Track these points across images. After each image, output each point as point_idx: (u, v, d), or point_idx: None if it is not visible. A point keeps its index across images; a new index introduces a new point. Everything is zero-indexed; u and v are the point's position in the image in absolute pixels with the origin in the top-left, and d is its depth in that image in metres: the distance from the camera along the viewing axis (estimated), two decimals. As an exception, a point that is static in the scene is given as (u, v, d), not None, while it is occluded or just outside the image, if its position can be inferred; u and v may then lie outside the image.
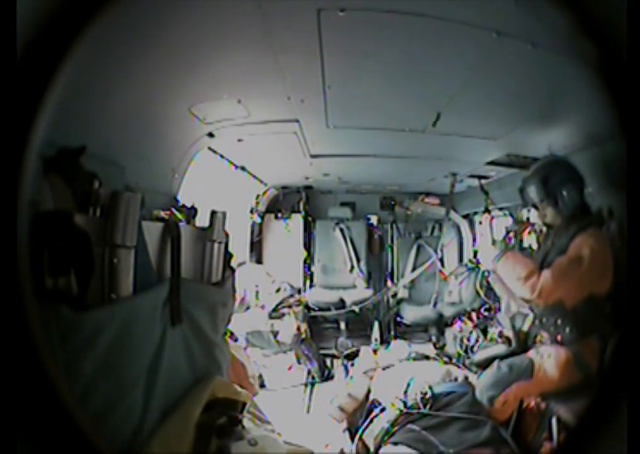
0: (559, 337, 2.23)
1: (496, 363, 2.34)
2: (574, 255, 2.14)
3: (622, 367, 0.66)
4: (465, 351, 3.12)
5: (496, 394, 2.27)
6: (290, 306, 4.13)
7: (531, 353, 2.30)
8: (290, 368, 3.93)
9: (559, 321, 2.23)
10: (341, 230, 5.24)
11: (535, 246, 2.62)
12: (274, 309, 4.06)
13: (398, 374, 2.67)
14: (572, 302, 2.17)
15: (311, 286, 5.17)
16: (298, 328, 4.01)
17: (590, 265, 2.11)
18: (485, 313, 3.70)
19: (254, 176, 3.97)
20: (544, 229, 2.52)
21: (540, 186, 2.32)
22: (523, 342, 2.39)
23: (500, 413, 2.28)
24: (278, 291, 4.22)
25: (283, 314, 4.05)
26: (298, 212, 5.25)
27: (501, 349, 2.47)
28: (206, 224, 1.66)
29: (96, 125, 1.32)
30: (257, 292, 4.13)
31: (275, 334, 3.91)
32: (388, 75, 1.77)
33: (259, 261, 5.09)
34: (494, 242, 2.87)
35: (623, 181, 0.65)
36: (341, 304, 4.67)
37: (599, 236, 2.18)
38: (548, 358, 2.22)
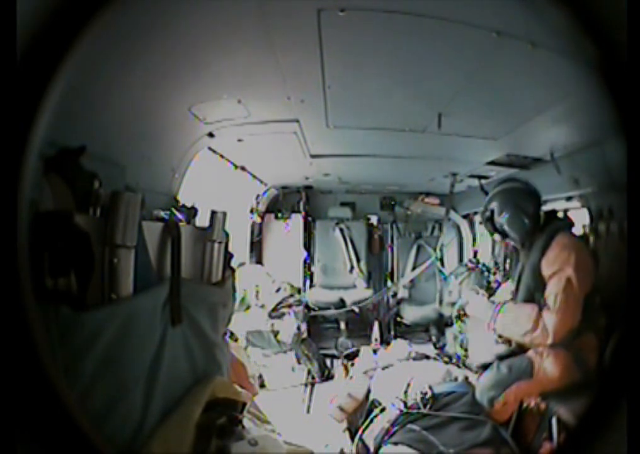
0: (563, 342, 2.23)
1: (495, 364, 2.34)
2: (565, 282, 2.15)
3: (622, 367, 0.66)
4: (466, 351, 3.12)
5: (496, 395, 2.27)
6: (290, 306, 4.13)
7: (530, 353, 2.30)
8: (292, 369, 3.94)
9: None
10: (341, 230, 5.24)
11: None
12: (275, 309, 4.06)
13: (398, 374, 2.67)
14: (579, 316, 2.17)
15: (311, 286, 5.17)
16: (299, 328, 4.01)
17: (581, 280, 2.13)
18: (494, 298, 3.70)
19: (254, 176, 3.98)
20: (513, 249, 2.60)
21: (488, 225, 2.52)
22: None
23: (500, 414, 2.29)
24: (278, 290, 4.22)
25: (283, 314, 4.05)
26: (298, 212, 5.25)
27: (500, 349, 2.47)
28: (206, 224, 1.66)
29: (96, 125, 1.32)
30: (257, 292, 4.13)
31: (275, 334, 3.92)
32: (388, 75, 1.77)
33: (259, 261, 5.10)
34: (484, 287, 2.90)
35: (623, 181, 0.65)
36: (341, 304, 4.68)
37: (570, 244, 2.22)
38: (547, 357, 2.22)
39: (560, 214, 2.50)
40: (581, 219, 2.64)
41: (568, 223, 2.39)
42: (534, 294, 2.27)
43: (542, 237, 2.29)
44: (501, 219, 2.43)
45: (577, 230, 2.51)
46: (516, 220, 2.38)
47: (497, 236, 2.58)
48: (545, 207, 3.01)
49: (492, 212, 2.48)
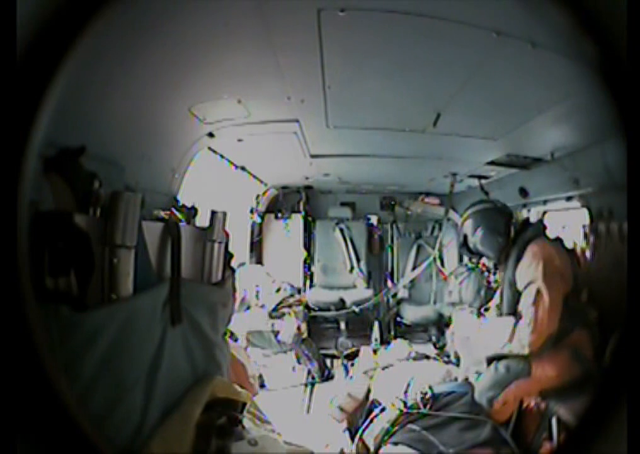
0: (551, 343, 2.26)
1: (493, 365, 2.34)
2: (535, 294, 2.20)
3: (622, 366, 0.66)
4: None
5: (495, 395, 2.27)
6: (290, 306, 4.13)
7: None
8: (293, 369, 3.94)
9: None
10: (341, 230, 5.24)
11: None
12: (275, 309, 4.07)
13: (398, 374, 2.67)
14: (557, 323, 2.21)
15: (311, 286, 5.17)
16: (299, 328, 4.01)
17: (553, 288, 2.18)
18: (485, 313, 3.71)
19: (254, 176, 3.98)
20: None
21: (464, 249, 2.67)
22: None
23: (500, 414, 2.29)
24: (278, 290, 4.22)
25: (283, 314, 4.05)
26: (298, 212, 5.25)
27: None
28: (206, 224, 1.66)
29: (96, 125, 1.32)
30: (257, 292, 4.13)
31: (276, 334, 3.92)
32: (388, 75, 1.77)
33: (259, 261, 5.10)
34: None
35: (623, 181, 0.65)
36: (341, 304, 4.68)
37: (540, 251, 2.27)
38: (544, 356, 2.24)
39: (536, 221, 2.59)
40: (580, 219, 2.65)
41: (540, 230, 2.45)
42: (515, 306, 2.33)
43: (514, 250, 2.38)
44: (474, 241, 2.56)
45: (554, 232, 2.59)
46: (488, 239, 2.50)
47: (474, 258, 2.74)
48: (543, 208, 3.05)
49: (465, 236, 2.61)
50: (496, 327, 2.37)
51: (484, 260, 3.48)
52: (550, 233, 2.52)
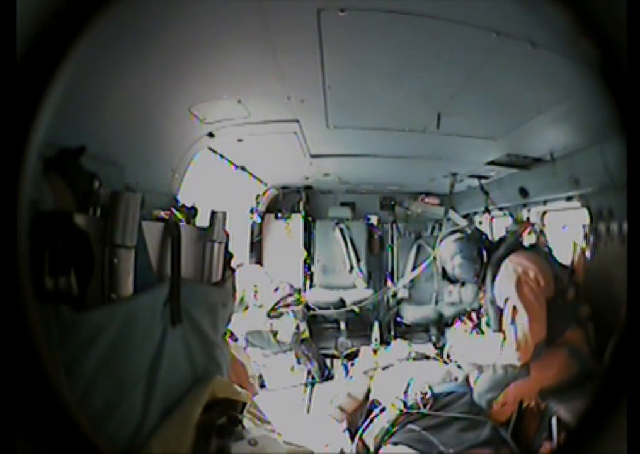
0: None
1: (491, 366, 2.34)
2: (512, 311, 2.25)
3: (622, 366, 0.66)
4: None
5: (494, 397, 2.27)
6: (288, 305, 4.13)
7: None
8: (292, 369, 3.93)
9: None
10: (341, 230, 5.24)
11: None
12: (273, 309, 4.06)
13: (398, 374, 2.67)
14: (544, 330, 2.24)
15: (311, 286, 5.17)
16: (298, 328, 4.01)
17: (529, 301, 2.22)
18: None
19: (254, 176, 3.98)
20: None
21: (446, 280, 2.77)
22: None
23: (500, 415, 2.29)
24: (276, 290, 4.22)
25: (282, 314, 4.05)
26: (298, 212, 5.25)
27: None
28: (206, 224, 1.66)
29: (96, 125, 1.32)
30: (255, 292, 4.13)
31: (275, 334, 3.91)
32: (388, 75, 1.77)
33: (259, 261, 5.10)
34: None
35: (623, 181, 0.65)
36: (341, 304, 4.67)
37: (512, 267, 2.33)
38: (542, 355, 2.24)
39: (509, 233, 2.68)
40: (580, 219, 2.65)
41: (514, 243, 2.51)
42: (499, 322, 2.36)
43: (490, 269, 2.45)
44: (453, 273, 2.66)
45: (552, 232, 2.73)
46: (465, 269, 2.60)
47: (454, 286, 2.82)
48: (543, 208, 3.06)
49: (444, 269, 2.72)
50: (486, 345, 2.42)
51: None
52: (547, 233, 2.58)
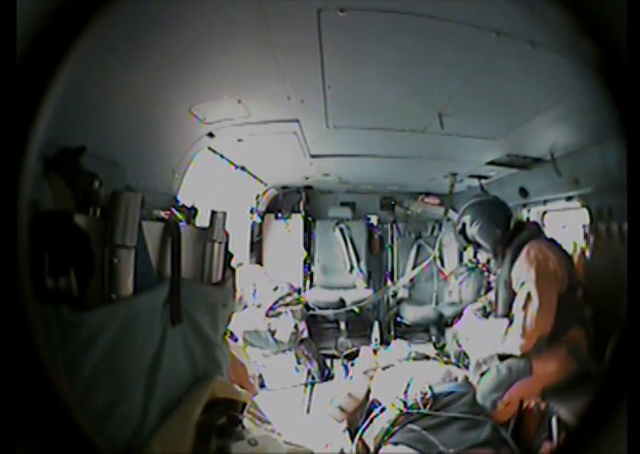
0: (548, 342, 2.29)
1: (494, 367, 2.35)
2: (525, 298, 2.25)
3: (622, 366, 0.66)
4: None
5: (499, 397, 2.27)
6: (287, 305, 4.13)
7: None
8: (296, 369, 3.93)
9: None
10: (341, 230, 5.24)
11: None
12: (272, 308, 4.06)
13: (398, 374, 2.67)
14: (551, 324, 2.24)
15: (311, 286, 5.17)
16: (296, 327, 4.00)
17: (544, 291, 2.22)
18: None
19: (254, 176, 3.98)
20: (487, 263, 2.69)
21: (459, 237, 2.68)
22: None
23: (502, 415, 2.29)
24: (275, 289, 4.22)
25: (280, 313, 4.05)
26: (298, 212, 5.25)
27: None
28: (206, 224, 1.66)
29: (96, 125, 1.32)
30: (254, 291, 4.13)
31: (273, 333, 3.91)
32: (388, 75, 1.77)
33: (259, 261, 5.10)
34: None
35: (623, 181, 0.65)
36: (341, 304, 4.67)
37: (534, 254, 2.30)
38: (544, 354, 2.25)
39: (530, 222, 2.66)
40: (580, 219, 2.65)
41: (537, 231, 2.49)
42: (510, 306, 2.36)
43: (510, 250, 2.41)
44: (473, 230, 2.57)
45: (551, 232, 2.69)
46: (487, 230, 2.52)
47: (468, 247, 2.75)
48: (543, 208, 3.07)
49: (464, 224, 2.63)
50: (491, 329, 2.41)
51: (483, 259, 3.49)
52: (547, 233, 2.55)
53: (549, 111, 1.85)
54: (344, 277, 5.15)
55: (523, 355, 2.28)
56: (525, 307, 2.23)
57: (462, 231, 2.66)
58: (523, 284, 2.28)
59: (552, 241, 2.47)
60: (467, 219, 2.62)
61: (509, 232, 2.48)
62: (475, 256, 4.51)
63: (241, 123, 2.24)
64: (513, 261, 2.37)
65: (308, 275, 5.26)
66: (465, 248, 2.77)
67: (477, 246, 2.63)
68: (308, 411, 3.44)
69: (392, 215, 5.39)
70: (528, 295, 2.24)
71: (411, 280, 4.94)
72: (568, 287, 2.27)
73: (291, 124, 2.36)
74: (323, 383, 3.92)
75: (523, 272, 2.29)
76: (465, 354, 2.92)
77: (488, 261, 3.26)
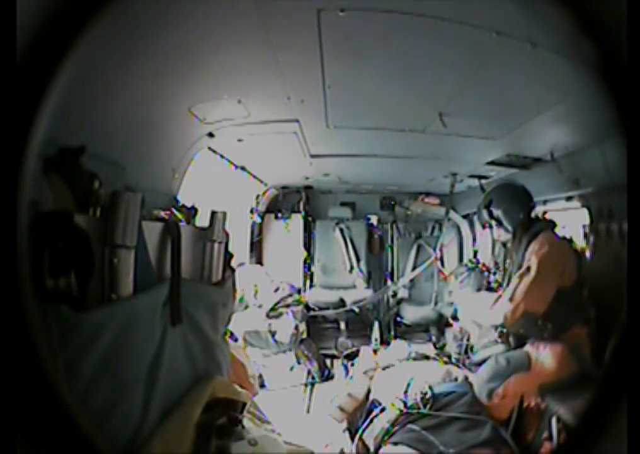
0: (545, 335, 2.32)
1: (493, 357, 2.38)
2: (525, 270, 2.35)
3: (622, 366, 0.66)
4: (465, 351, 3.13)
5: (495, 387, 2.28)
6: (287, 306, 4.13)
7: (527, 347, 2.37)
8: (291, 369, 3.93)
9: (539, 323, 2.33)
10: (341, 230, 5.24)
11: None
12: (272, 309, 4.06)
13: (398, 374, 2.67)
14: (542, 306, 2.29)
15: (311, 286, 5.17)
16: (296, 328, 4.00)
17: (545, 270, 2.29)
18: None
19: (254, 176, 3.98)
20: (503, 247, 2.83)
21: (484, 211, 2.73)
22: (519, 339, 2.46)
23: (500, 409, 2.29)
24: (276, 290, 4.22)
25: (281, 314, 4.05)
26: (298, 212, 5.25)
27: (499, 349, 2.49)
28: (206, 224, 1.66)
29: (96, 125, 1.32)
30: (255, 292, 4.13)
31: (273, 334, 3.91)
32: (388, 75, 1.77)
33: (259, 261, 5.09)
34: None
35: (623, 181, 0.65)
36: (341, 304, 4.68)
37: (547, 240, 2.39)
38: (544, 350, 2.26)
39: (547, 216, 2.71)
40: (580, 219, 2.66)
41: (551, 225, 2.57)
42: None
43: (527, 236, 2.48)
44: (499, 208, 2.65)
45: (564, 230, 2.73)
46: (511, 210, 2.61)
47: (489, 222, 2.78)
48: (543, 208, 3.10)
49: (490, 200, 2.71)
50: (482, 300, 2.55)
51: (482, 260, 3.50)
52: (560, 231, 2.62)
53: (549, 111, 1.85)
54: (344, 277, 5.15)
55: (522, 350, 2.31)
56: (520, 277, 2.32)
57: (488, 207, 2.72)
58: (529, 260, 2.35)
59: (567, 238, 2.54)
60: (494, 196, 2.71)
61: (529, 219, 2.57)
62: (475, 256, 4.51)
63: (241, 123, 2.24)
64: (528, 245, 2.43)
65: (308, 275, 5.26)
66: (483, 226, 2.83)
67: (499, 224, 2.69)
68: (308, 411, 3.44)
69: (392, 215, 5.39)
70: (528, 268, 2.32)
71: (411, 280, 4.94)
72: (574, 283, 2.31)
73: (291, 124, 2.36)
74: (323, 383, 3.92)
75: (533, 252, 2.37)
76: (465, 352, 2.94)
77: (497, 261, 3.31)
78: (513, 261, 2.53)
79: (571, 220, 2.99)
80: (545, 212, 2.84)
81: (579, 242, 2.68)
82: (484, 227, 2.86)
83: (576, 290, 2.32)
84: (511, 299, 2.31)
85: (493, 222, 2.72)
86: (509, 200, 2.64)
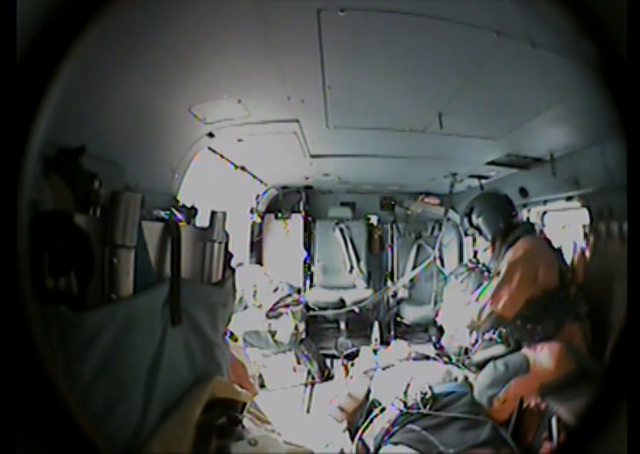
0: (536, 337, 2.36)
1: (491, 363, 2.37)
2: (495, 274, 2.47)
3: (622, 366, 0.66)
4: (465, 351, 3.13)
5: (496, 393, 2.28)
6: (287, 306, 4.13)
7: (524, 350, 2.36)
8: (293, 370, 3.93)
9: (528, 326, 2.39)
10: (341, 230, 5.24)
11: None
12: (272, 309, 4.06)
13: (398, 374, 2.67)
14: (511, 309, 2.39)
15: (311, 286, 5.17)
16: (296, 328, 4.00)
17: (514, 274, 2.38)
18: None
19: (254, 176, 3.97)
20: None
21: (465, 220, 2.86)
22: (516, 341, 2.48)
23: (500, 413, 2.29)
24: (275, 290, 4.22)
25: (281, 314, 4.05)
26: (298, 212, 5.25)
27: (499, 349, 2.49)
28: (206, 224, 1.66)
29: (96, 125, 1.32)
30: (254, 292, 4.13)
31: (273, 334, 3.91)
32: (388, 75, 1.77)
33: (259, 261, 5.09)
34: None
35: (623, 181, 0.65)
36: (341, 304, 4.67)
37: (522, 246, 2.47)
38: (541, 351, 2.27)
39: (526, 221, 2.90)
40: (580, 219, 2.66)
41: (530, 229, 2.68)
42: None
43: (506, 243, 2.58)
44: (479, 217, 2.76)
45: (552, 232, 2.91)
46: (491, 219, 2.71)
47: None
48: (543, 208, 3.12)
49: (472, 208, 2.82)
50: (461, 300, 2.64)
51: (482, 259, 3.51)
52: (547, 233, 2.76)
53: (549, 111, 1.85)
54: (344, 277, 5.15)
55: (519, 353, 2.32)
56: (492, 282, 2.43)
57: (469, 215, 2.82)
58: (501, 265, 2.45)
59: (545, 239, 2.62)
60: (476, 205, 2.81)
61: (509, 227, 2.63)
62: (475, 256, 4.51)
63: (241, 123, 2.24)
64: (506, 252, 2.52)
65: (308, 275, 5.26)
66: (465, 233, 2.93)
67: (479, 232, 2.79)
68: (308, 411, 3.44)
69: (392, 215, 5.39)
70: (498, 273, 2.41)
71: (411, 280, 4.94)
72: (558, 284, 2.37)
73: (291, 124, 2.36)
74: (323, 383, 3.92)
75: (506, 258, 2.46)
76: (466, 351, 2.95)
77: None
78: (495, 269, 2.60)
79: (571, 220, 2.99)
80: (528, 218, 2.99)
81: (579, 242, 2.69)
82: (466, 235, 2.96)
83: (560, 289, 2.37)
84: (477, 300, 2.42)
85: (473, 231, 2.84)
86: (489, 209, 2.74)
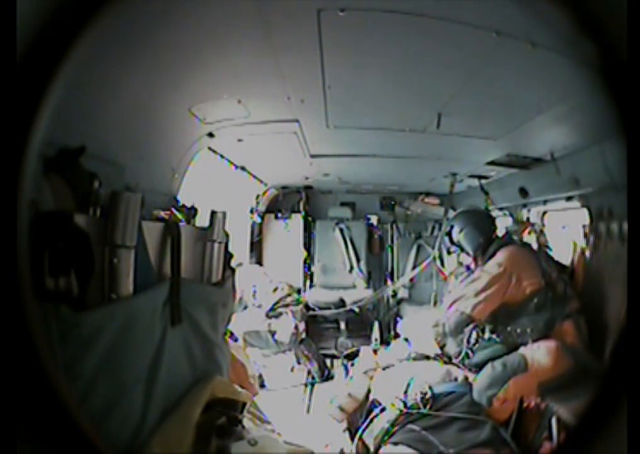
0: (527, 338, 2.40)
1: (489, 364, 2.37)
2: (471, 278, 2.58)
3: (622, 366, 0.66)
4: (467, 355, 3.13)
5: (494, 393, 2.28)
6: (287, 306, 4.13)
7: (522, 349, 2.37)
8: (292, 370, 3.93)
9: (518, 330, 2.45)
10: (341, 230, 5.24)
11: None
12: (272, 309, 4.06)
13: (398, 374, 2.67)
14: (482, 312, 2.48)
15: (311, 286, 5.17)
16: (296, 328, 4.00)
17: (485, 280, 2.48)
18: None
19: (254, 176, 3.97)
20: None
21: (446, 239, 2.99)
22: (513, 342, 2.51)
23: (500, 413, 2.29)
24: (275, 290, 4.22)
25: (281, 314, 4.05)
26: (298, 212, 5.25)
27: (499, 349, 2.49)
28: (206, 224, 1.66)
29: (96, 125, 1.32)
30: (254, 292, 4.13)
31: (273, 334, 3.91)
32: (388, 75, 1.77)
33: (259, 261, 5.09)
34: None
35: (623, 181, 0.65)
36: (341, 304, 4.67)
37: (500, 256, 2.59)
38: (538, 350, 2.28)
39: (505, 234, 2.97)
40: (580, 219, 2.66)
41: (508, 239, 2.80)
42: None
43: (486, 256, 2.70)
44: (459, 235, 2.88)
45: (552, 232, 3.07)
46: (471, 235, 2.83)
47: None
48: (543, 208, 3.14)
49: (452, 226, 2.95)
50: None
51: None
52: (547, 233, 2.90)
53: (549, 111, 1.85)
54: (344, 277, 5.15)
55: (516, 353, 2.34)
56: (466, 283, 2.54)
57: (449, 234, 2.95)
58: (479, 271, 2.58)
59: (524, 244, 2.78)
60: (456, 223, 2.92)
61: (489, 242, 2.75)
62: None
63: (241, 123, 2.24)
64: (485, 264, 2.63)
65: (308, 275, 5.26)
66: (448, 251, 3.09)
67: (460, 249, 2.91)
68: (308, 411, 3.44)
69: (392, 215, 5.39)
70: (471, 277, 2.55)
71: (411, 280, 4.94)
72: (544, 283, 2.44)
73: (291, 124, 2.36)
74: (323, 383, 3.92)
75: (489, 264, 2.58)
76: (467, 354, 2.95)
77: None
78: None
79: (571, 220, 2.99)
80: (507, 231, 3.07)
81: (580, 242, 2.71)
82: (448, 252, 3.04)
83: (547, 289, 2.43)
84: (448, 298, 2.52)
85: (454, 248, 2.93)
86: (468, 226, 2.84)
